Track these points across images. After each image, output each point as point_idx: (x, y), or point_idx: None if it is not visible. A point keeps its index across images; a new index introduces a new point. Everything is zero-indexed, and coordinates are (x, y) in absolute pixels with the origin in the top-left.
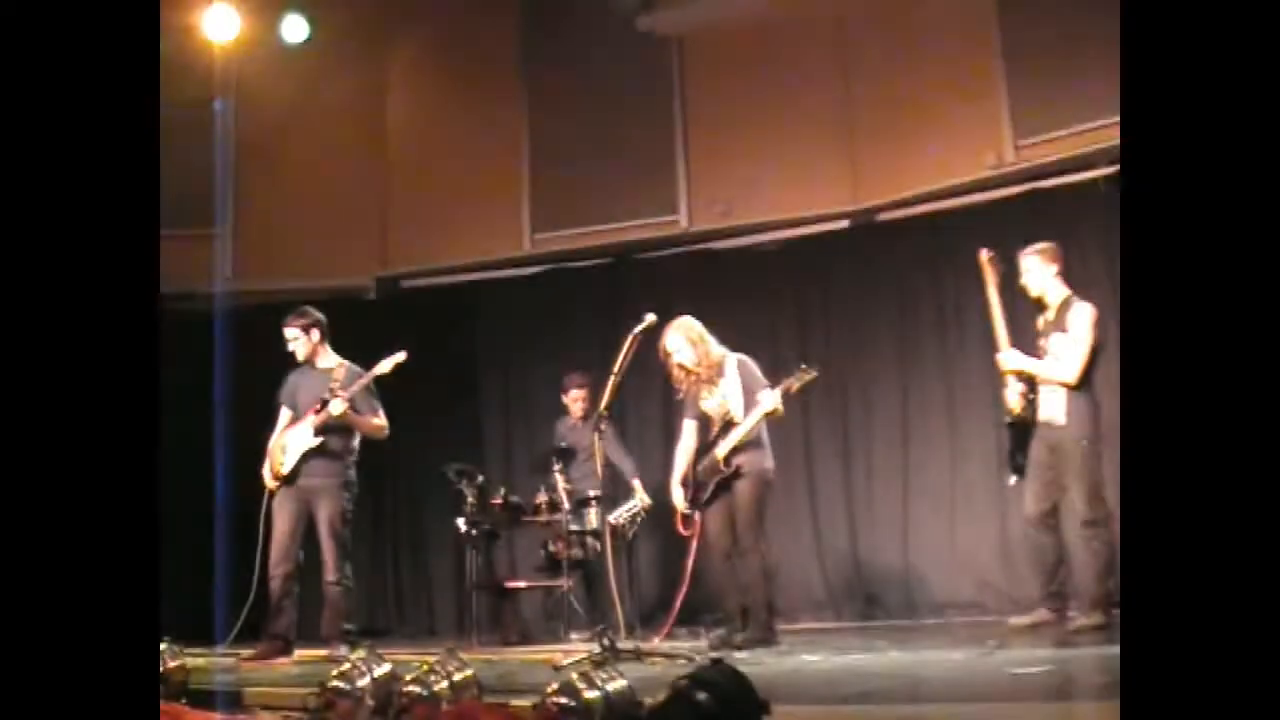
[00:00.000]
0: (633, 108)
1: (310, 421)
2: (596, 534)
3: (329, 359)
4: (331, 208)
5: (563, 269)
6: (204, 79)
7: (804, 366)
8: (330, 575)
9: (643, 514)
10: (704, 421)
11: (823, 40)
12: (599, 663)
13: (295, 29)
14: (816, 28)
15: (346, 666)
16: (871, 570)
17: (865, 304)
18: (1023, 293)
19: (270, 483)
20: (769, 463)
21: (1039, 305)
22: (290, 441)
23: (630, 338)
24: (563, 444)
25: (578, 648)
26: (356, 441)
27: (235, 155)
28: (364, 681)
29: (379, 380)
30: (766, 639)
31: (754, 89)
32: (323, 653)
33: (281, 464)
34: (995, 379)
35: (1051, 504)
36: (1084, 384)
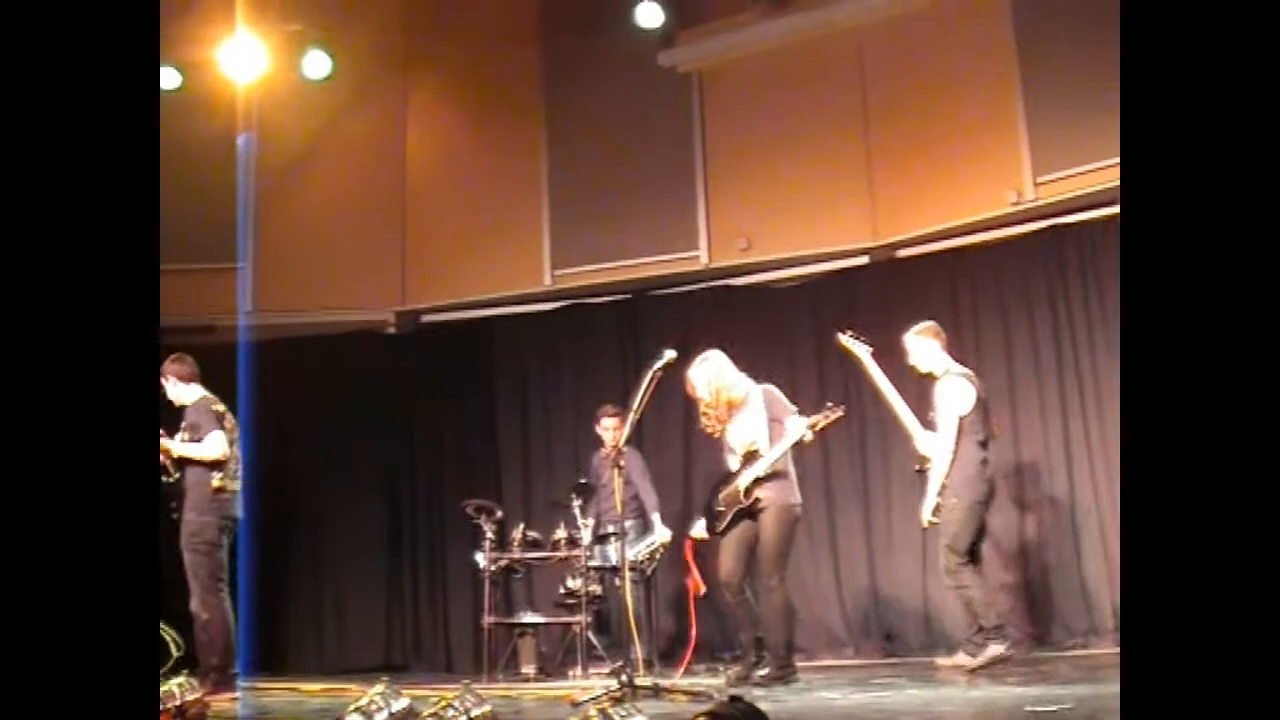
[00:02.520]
0: (653, 143)
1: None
2: (615, 570)
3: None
4: (352, 242)
5: (583, 304)
6: (227, 114)
7: (831, 404)
8: (192, 608)
9: (662, 550)
10: (729, 452)
11: (843, 76)
12: (617, 699)
13: (317, 65)
14: (837, 64)
15: (364, 701)
16: (890, 607)
17: (885, 340)
18: (912, 372)
19: None
20: (794, 498)
21: (931, 379)
22: None
23: (650, 374)
24: (595, 475)
25: (596, 684)
26: (214, 476)
27: (258, 189)
28: (382, 716)
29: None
30: (785, 675)
31: (774, 125)
32: (329, 686)
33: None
34: (1014, 414)
35: None
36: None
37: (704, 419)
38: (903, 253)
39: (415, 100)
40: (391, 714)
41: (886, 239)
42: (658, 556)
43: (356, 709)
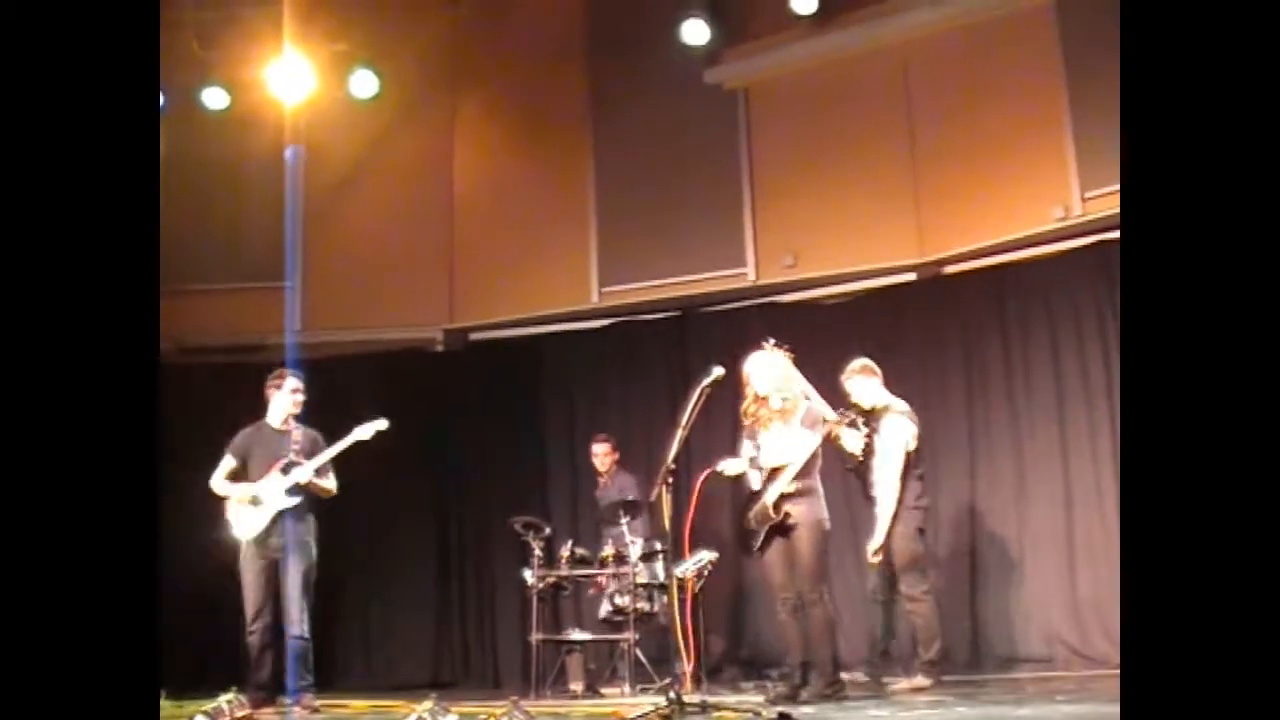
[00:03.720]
0: (699, 160)
1: (278, 483)
2: (663, 587)
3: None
4: (400, 260)
5: (630, 322)
6: (275, 134)
7: (843, 411)
8: (295, 630)
9: (710, 566)
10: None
11: (888, 93)
12: (665, 716)
13: (364, 84)
14: (882, 80)
15: (413, 717)
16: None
17: (932, 356)
18: (857, 409)
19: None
20: (824, 513)
21: (874, 413)
22: (258, 503)
23: (699, 391)
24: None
25: (644, 701)
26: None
27: (306, 208)
28: None
29: (444, 431)
30: (834, 693)
31: (820, 141)
32: (377, 703)
33: (251, 527)
34: (1063, 432)
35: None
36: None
37: (751, 412)
38: (949, 269)
39: (462, 119)
40: None
41: (933, 255)
42: (705, 573)
43: None
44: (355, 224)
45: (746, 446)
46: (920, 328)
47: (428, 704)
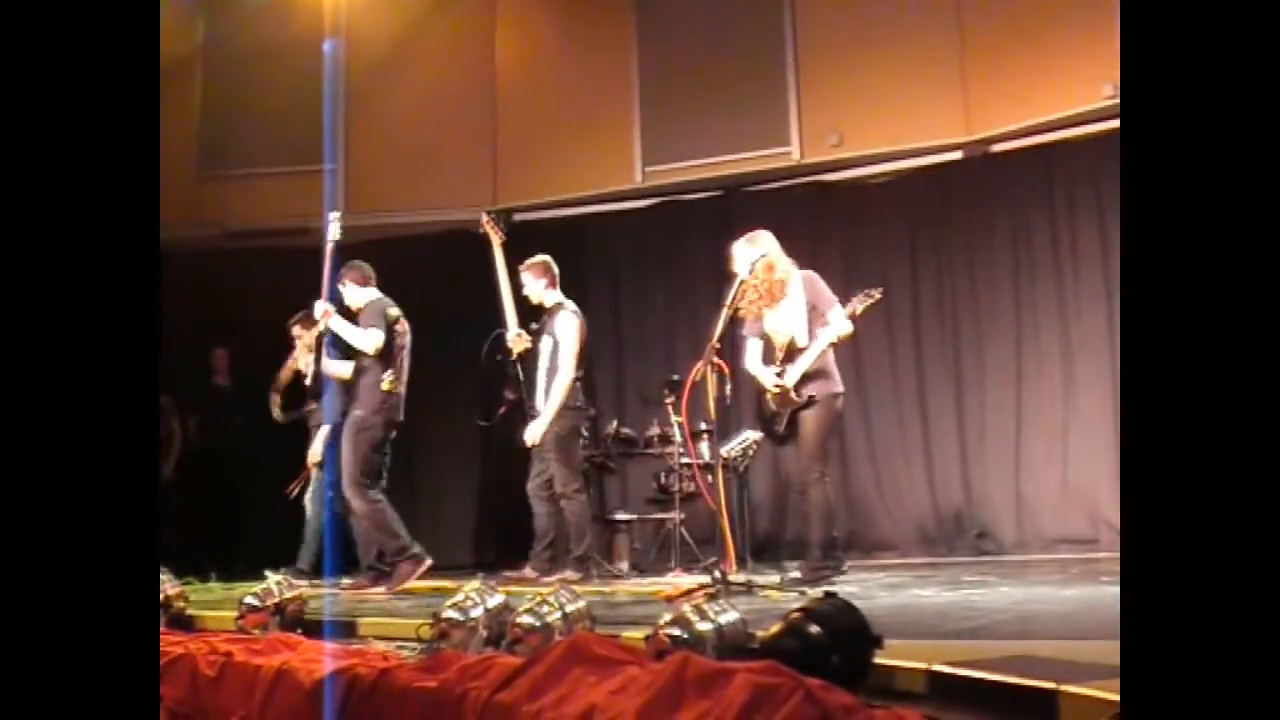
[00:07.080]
0: (743, 39)
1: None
2: (709, 467)
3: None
4: (444, 142)
5: (674, 202)
6: (316, 17)
7: (869, 291)
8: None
9: (755, 447)
10: (766, 342)
11: None
12: (711, 595)
13: None
14: None
15: (460, 597)
16: (983, 505)
17: (979, 236)
18: (526, 302)
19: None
20: (838, 387)
21: (540, 310)
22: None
23: (749, 266)
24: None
25: (690, 580)
26: (385, 378)
27: (348, 91)
28: (477, 612)
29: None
30: (818, 578)
31: (866, 18)
32: (432, 584)
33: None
34: (1110, 313)
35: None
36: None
37: (743, 299)
38: (997, 148)
39: None
40: (487, 610)
41: (980, 134)
42: (751, 453)
43: (452, 605)
44: (398, 106)
45: (753, 345)
46: (967, 207)
47: (474, 584)
